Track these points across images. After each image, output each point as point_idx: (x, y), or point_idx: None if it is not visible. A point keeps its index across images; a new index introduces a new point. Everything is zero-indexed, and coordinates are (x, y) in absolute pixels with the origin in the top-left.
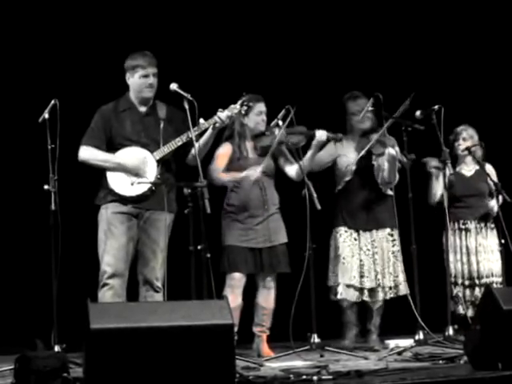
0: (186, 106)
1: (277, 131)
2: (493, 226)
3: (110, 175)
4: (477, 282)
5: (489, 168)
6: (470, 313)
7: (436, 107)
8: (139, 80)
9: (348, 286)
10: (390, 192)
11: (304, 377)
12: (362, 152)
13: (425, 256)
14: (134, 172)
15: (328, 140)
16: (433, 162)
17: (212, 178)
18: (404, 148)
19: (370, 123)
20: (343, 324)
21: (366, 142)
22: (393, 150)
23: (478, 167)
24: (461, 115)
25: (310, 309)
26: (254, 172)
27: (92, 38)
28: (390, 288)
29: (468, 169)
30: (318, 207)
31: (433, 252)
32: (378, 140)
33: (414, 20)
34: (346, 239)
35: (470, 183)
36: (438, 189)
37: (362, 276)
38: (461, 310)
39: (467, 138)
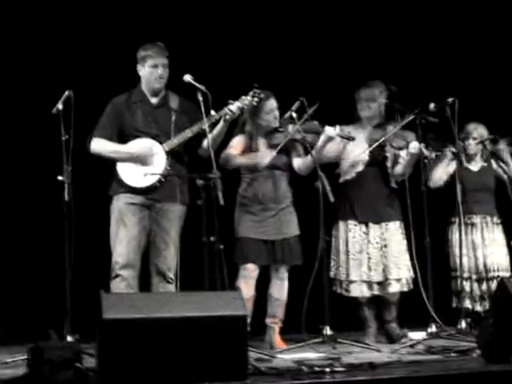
0: (200, 98)
1: (290, 127)
2: (498, 221)
3: (120, 166)
4: (484, 276)
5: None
6: (478, 307)
7: (450, 100)
8: (149, 70)
9: (359, 282)
10: (394, 185)
11: (316, 369)
12: (375, 144)
13: (436, 250)
14: (143, 162)
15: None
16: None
17: (227, 161)
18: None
19: (371, 113)
20: (361, 320)
21: (379, 134)
22: (419, 145)
23: (485, 163)
24: (475, 108)
25: (322, 301)
26: (264, 157)
27: (106, 30)
28: (407, 280)
29: (475, 164)
30: (332, 199)
31: (442, 246)
32: (396, 133)
33: (429, 12)
34: (355, 234)
35: (476, 178)
36: (444, 174)
37: (370, 269)
38: (468, 304)
39: (478, 137)
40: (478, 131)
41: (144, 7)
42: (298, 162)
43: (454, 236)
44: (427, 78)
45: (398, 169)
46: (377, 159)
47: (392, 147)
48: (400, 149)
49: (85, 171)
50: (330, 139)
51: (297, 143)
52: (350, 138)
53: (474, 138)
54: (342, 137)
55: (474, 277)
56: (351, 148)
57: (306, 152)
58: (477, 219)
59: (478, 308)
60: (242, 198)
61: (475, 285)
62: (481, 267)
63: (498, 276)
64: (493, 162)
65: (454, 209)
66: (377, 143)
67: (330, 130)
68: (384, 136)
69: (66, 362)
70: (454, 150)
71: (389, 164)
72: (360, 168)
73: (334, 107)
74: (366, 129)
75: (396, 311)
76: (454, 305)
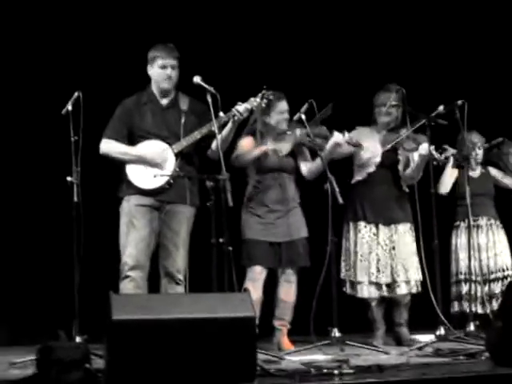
0: (209, 100)
1: (298, 130)
2: (502, 224)
3: (129, 168)
4: (489, 277)
5: (494, 170)
6: (485, 309)
7: (459, 102)
8: (158, 70)
9: (367, 283)
10: (406, 189)
11: (325, 370)
12: (389, 146)
13: (444, 252)
14: (153, 164)
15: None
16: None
17: (238, 157)
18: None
19: (390, 118)
20: (370, 322)
21: (393, 136)
22: (429, 147)
23: (483, 170)
24: (484, 110)
25: (330, 303)
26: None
27: (116, 31)
28: (416, 282)
29: (474, 171)
30: (340, 201)
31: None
32: (408, 136)
33: (439, 14)
34: (364, 235)
35: (477, 184)
36: (452, 178)
37: (378, 271)
38: (472, 307)
39: (477, 142)
40: (476, 137)
41: (153, 8)
42: (306, 167)
43: (458, 240)
44: (437, 80)
45: (409, 171)
46: (389, 161)
47: (404, 149)
48: (411, 151)
49: (94, 172)
50: (337, 145)
51: (304, 147)
52: (358, 145)
53: (479, 147)
54: (350, 143)
55: (478, 279)
56: (365, 150)
57: (314, 156)
58: (482, 221)
59: (486, 310)
60: (248, 200)
61: (480, 287)
62: (485, 269)
63: (506, 276)
64: (490, 168)
65: (457, 212)
66: (389, 146)
67: (338, 137)
68: (397, 138)
69: (74, 363)
70: (453, 151)
71: (400, 167)
72: (372, 169)
73: (344, 110)
74: (381, 132)
75: (407, 314)
76: (456, 309)
